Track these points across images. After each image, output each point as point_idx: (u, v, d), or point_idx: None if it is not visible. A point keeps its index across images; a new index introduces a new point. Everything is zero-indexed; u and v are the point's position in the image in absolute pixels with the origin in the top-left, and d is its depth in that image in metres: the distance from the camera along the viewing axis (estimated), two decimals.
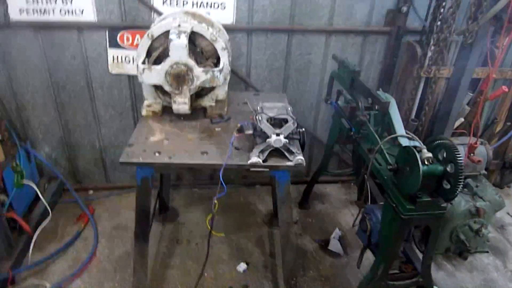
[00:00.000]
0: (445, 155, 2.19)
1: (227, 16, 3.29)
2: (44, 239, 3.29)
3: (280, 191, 2.23)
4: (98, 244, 3.31)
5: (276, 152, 2.12)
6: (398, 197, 2.32)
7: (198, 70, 2.28)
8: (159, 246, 3.31)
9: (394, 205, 2.36)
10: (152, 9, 3.14)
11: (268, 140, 2.05)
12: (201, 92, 2.54)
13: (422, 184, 2.15)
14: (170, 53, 2.24)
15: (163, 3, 3.16)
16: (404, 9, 3.34)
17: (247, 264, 3.18)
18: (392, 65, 3.64)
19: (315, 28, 3.45)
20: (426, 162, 2.15)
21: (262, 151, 2.09)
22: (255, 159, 2.06)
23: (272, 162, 2.11)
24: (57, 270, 3.04)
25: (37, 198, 3.47)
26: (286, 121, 2.10)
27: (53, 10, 3.10)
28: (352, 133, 2.93)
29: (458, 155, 2.11)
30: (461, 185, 2.10)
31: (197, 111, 2.59)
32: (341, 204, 4.04)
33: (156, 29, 2.29)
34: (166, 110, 2.56)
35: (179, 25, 2.23)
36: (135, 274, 2.46)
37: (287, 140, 2.06)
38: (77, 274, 2.97)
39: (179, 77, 2.29)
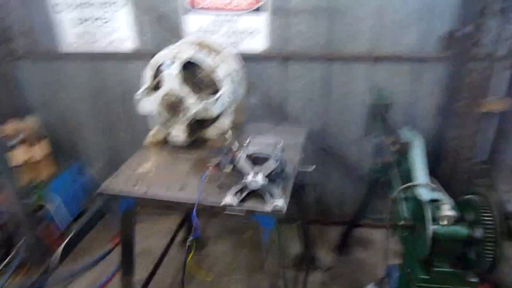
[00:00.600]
0: (473, 214, 1.71)
1: (260, 43, 3.17)
2: (77, 254, 3.46)
3: (264, 239, 1.96)
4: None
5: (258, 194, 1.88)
6: (412, 262, 1.88)
7: (191, 100, 2.18)
8: (176, 277, 3.22)
9: (408, 270, 1.92)
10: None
11: (244, 180, 1.83)
12: (205, 122, 2.43)
13: (439, 249, 1.71)
14: (163, 83, 2.19)
15: (195, 32, 3.18)
16: (465, 31, 2.83)
17: None
18: (452, 96, 3.09)
19: (356, 55, 3.12)
20: (445, 222, 1.71)
21: (240, 191, 1.87)
22: (229, 199, 1.85)
23: (250, 204, 1.87)
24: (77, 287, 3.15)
25: (81, 213, 3.71)
26: (267, 159, 1.86)
27: (98, 42, 3.34)
28: (381, 174, 2.53)
29: (486, 216, 1.63)
30: (494, 256, 1.61)
31: (201, 142, 2.47)
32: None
33: (155, 59, 2.26)
34: None
35: (175, 55, 2.18)
36: None
37: (266, 181, 1.82)
38: None
39: (172, 107, 2.22)
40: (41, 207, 3.30)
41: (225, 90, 2.27)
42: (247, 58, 2.99)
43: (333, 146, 3.47)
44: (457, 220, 1.71)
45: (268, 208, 1.81)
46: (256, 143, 1.97)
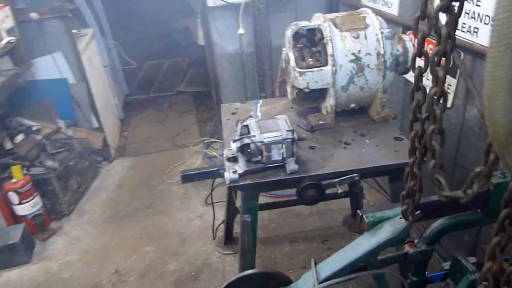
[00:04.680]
0: None
1: None
2: None
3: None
4: None
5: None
6: None
7: (292, 64, 2.22)
8: None
9: None
10: None
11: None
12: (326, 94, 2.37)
13: None
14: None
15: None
16: None
17: None
18: None
19: None
20: None
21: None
22: (231, 145, 2.02)
23: (232, 163, 2.02)
24: None
25: None
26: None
27: None
28: None
29: None
30: None
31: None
32: None
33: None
34: None
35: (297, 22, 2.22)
36: None
37: (235, 152, 1.92)
38: None
39: (285, 66, 2.35)
40: None
41: (326, 69, 2.15)
42: None
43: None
44: None
45: (226, 172, 1.93)
46: (269, 123, 1.97)
